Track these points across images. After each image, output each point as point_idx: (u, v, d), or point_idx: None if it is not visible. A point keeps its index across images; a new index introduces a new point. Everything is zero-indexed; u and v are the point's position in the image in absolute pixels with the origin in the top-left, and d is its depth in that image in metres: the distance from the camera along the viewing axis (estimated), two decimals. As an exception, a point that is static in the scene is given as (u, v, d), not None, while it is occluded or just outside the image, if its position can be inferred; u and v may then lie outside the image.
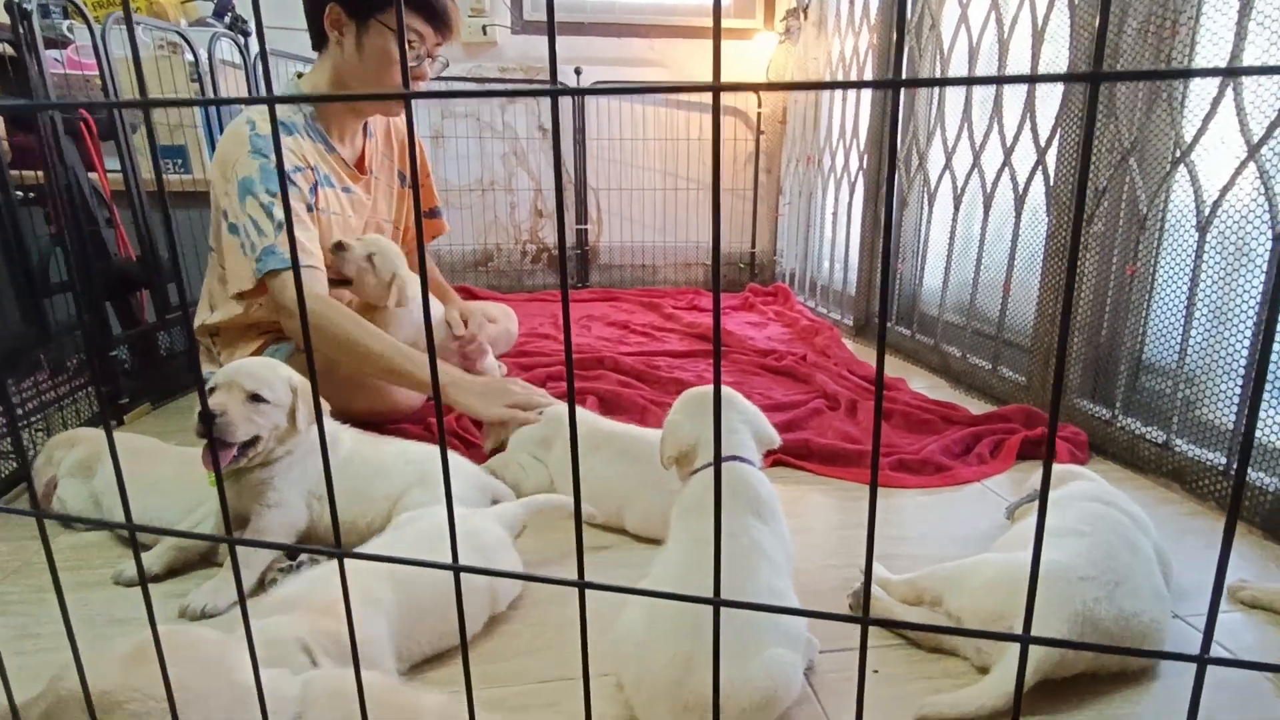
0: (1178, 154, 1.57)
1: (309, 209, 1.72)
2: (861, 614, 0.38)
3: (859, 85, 0.38)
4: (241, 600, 0.51)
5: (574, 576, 0.46)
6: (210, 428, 1.11)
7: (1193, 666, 1.00)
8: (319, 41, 1.75)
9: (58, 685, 0.58)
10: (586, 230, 3.82)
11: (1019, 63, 2.08)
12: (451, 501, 0.49)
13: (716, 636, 0.45)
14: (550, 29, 0.41)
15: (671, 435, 1.03)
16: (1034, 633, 0.91)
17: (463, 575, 1.03)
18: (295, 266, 0.46)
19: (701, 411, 1.04)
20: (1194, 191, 1.53)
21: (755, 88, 0.43)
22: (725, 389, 1.07)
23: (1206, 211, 1.51)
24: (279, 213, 1.65)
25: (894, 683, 0.99)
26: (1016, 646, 0.93)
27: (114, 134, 2.11)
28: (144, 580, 0.54)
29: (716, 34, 0.38)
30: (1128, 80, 1.73)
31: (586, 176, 3.76)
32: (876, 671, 1.02)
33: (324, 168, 1.79)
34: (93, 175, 2.17)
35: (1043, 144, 1.96)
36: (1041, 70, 1.99)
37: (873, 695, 0.97)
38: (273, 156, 1.61)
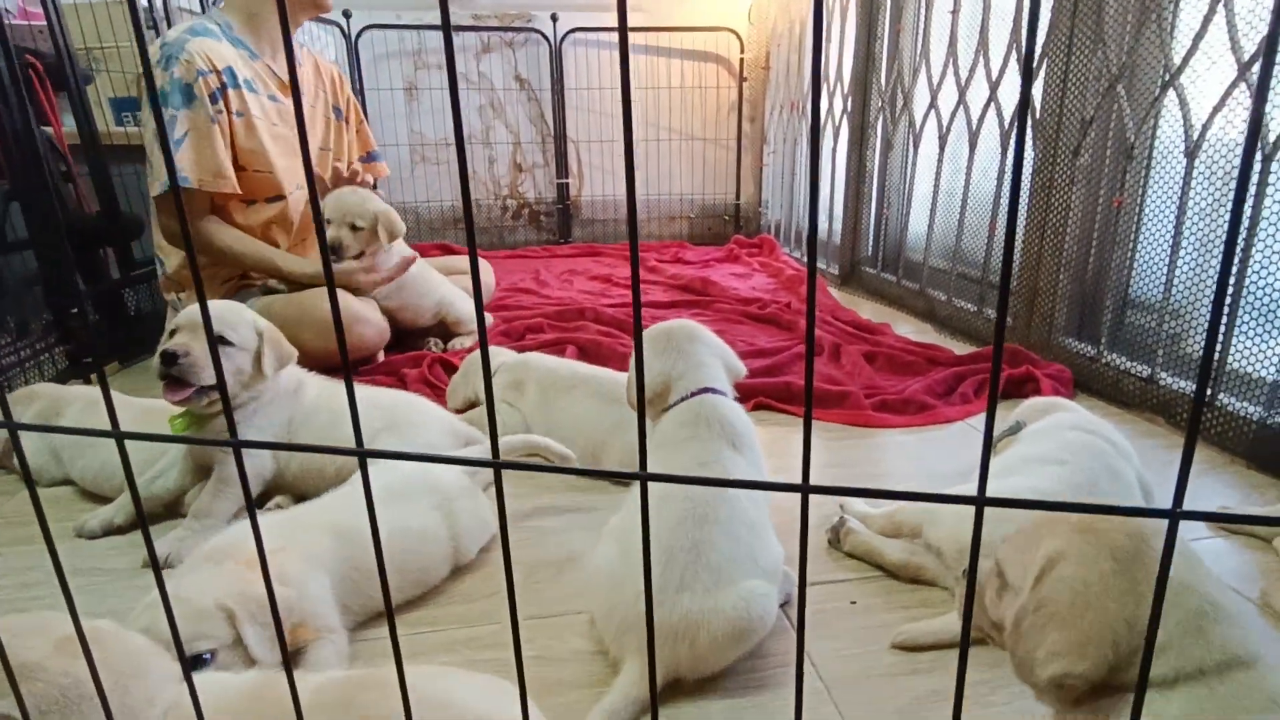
0: (1167, 78, 1.52)
1: (211, 120, 1.68)
2: (802, 484, 0.35)
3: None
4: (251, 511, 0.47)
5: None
6: (171, 367, 1.07)
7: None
8: None
9: None
10: (567, 184, 3.75)
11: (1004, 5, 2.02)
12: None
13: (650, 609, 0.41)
14: None
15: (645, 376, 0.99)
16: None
17: (427, 531, 1.00)
18: (178, 190, 0.42)
19: (670, 348, 1.00)
20: (1183, 116, 1.48)
21: None
22: (690, 323, 1.03)
23: (1196, 136, 1.46)
24: (180, 127, 1.65)
25: (871, 612, 0.98)
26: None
27: (67, 84, 2.03)
28: (63, 579, 0.50)
29: None
30: None
31: (566, 129, 3.67)
32: (854, 603, 1.00)
33: (248, 73, 1.77)
34: (47, 129, 2.09)
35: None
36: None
37: (850, 625, 0.95)
38: (175, 69, 1.61)
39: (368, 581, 0.92)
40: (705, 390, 0.95)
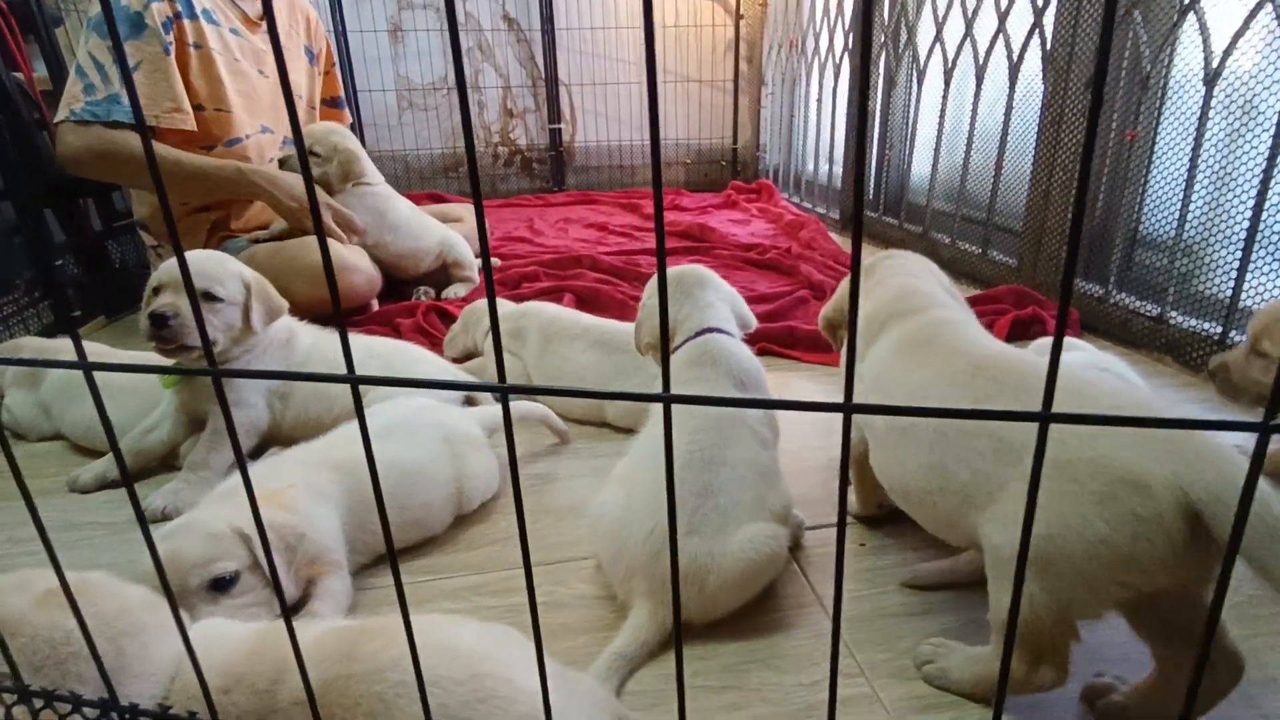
0: (1186, 2, 1.45)
1: (165, 50, 1.59)
2: (844, 402, 0.32)
3: None
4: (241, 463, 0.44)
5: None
6: (162, 329, 1.04)
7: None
8: None
9: None
10: (560, 130, 3.65)
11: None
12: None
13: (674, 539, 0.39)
14: None
15: (649, 319, 0.96)
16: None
17: (429, 468, 0.98)
18: (139, 121, 0.37)
19: (679, 292, 0.97)
20: (1202, 42, 1.42)
21: None
22: (701, 269, 1.00)
23: (1215, 64, 1.40)
24: (130, 58, 1.54)
25: (882, 553, 0.96)
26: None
27: (35, 28, 1.94)
28: (47, 542, 0.47)
29: None
30: None
31: (557, 72, 3.56)
32: (864, 545, 0.99)
33: (207, 3, 1.68)
34: (17, 75, 2.00)
35: (1040, 3, 1.83)
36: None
37: (860, 567, 0.94)
38: None
39: (371, 516, 0.91)
40: (710, 330, 0.91)
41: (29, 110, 1.93)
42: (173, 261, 1.11)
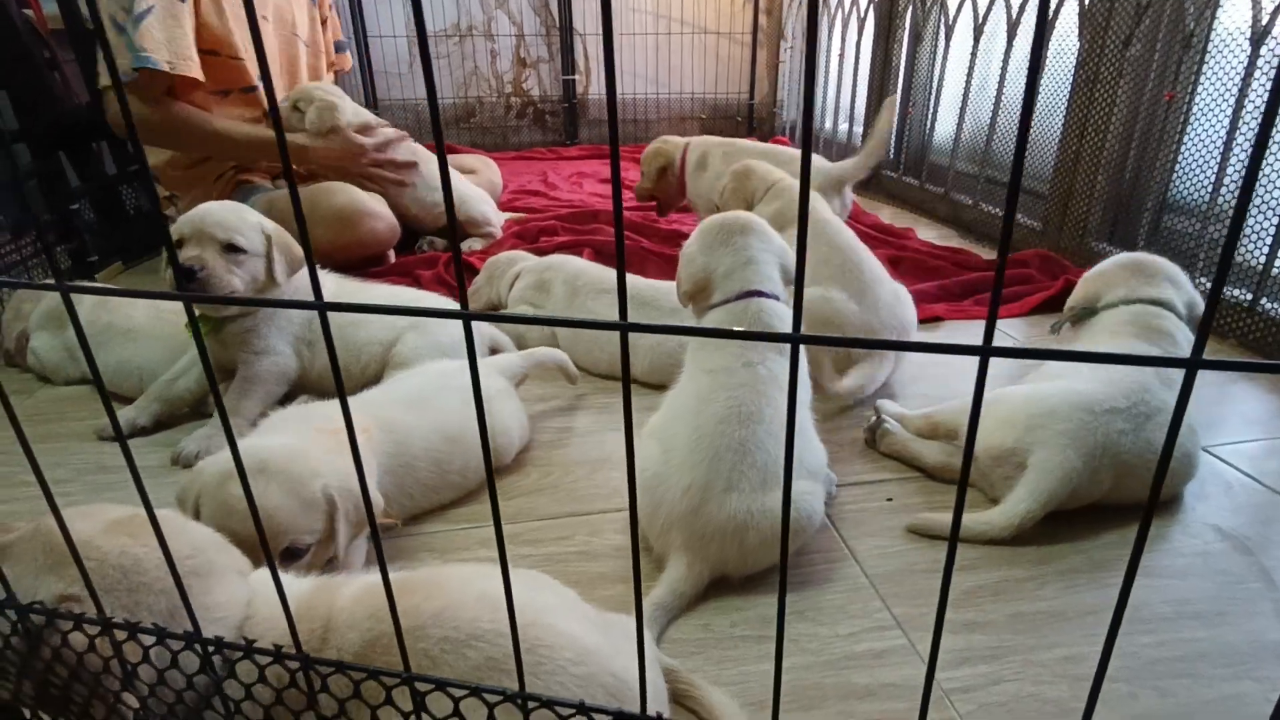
0: (1237, -45, 1.41)
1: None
2: (795, 331, 0.32)
3: None
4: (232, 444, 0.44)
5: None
6: (190, 283, 1.03)
7: (1216, 502, 0.97)
8: None
9: (38, 521, 0.53)
10: (574, 81, 3.57)
11: None
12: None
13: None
14: None
15: (686, 267, 0.94)
16: (1049, 461, 0.89)
17: (466, 432, 0.97)
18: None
19: (720, 242, 0.94)
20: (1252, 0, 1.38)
21: None
22: (748, 215, 0.97)
23: (1265, 21, 1.36)
24: (138, 4, 1.49)
25: (909, 511, 0.97)
26: (1025, 479, 0.90)
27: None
28: (138, 480, 0.47)
29: None
30: None
31: (572, 20, 3.47)
32: (891, 500, 1.00)
33: None
34: (27, 12, 1.95)
35: (1081, -43, 1.77)
36: None
37: (887, 523, 0.95)
38: None
39: (411, 477, 0.91)
40: (754, 293, 0.90)
41: (39, 49, 1.89)
42: (193, 213, 1.09)
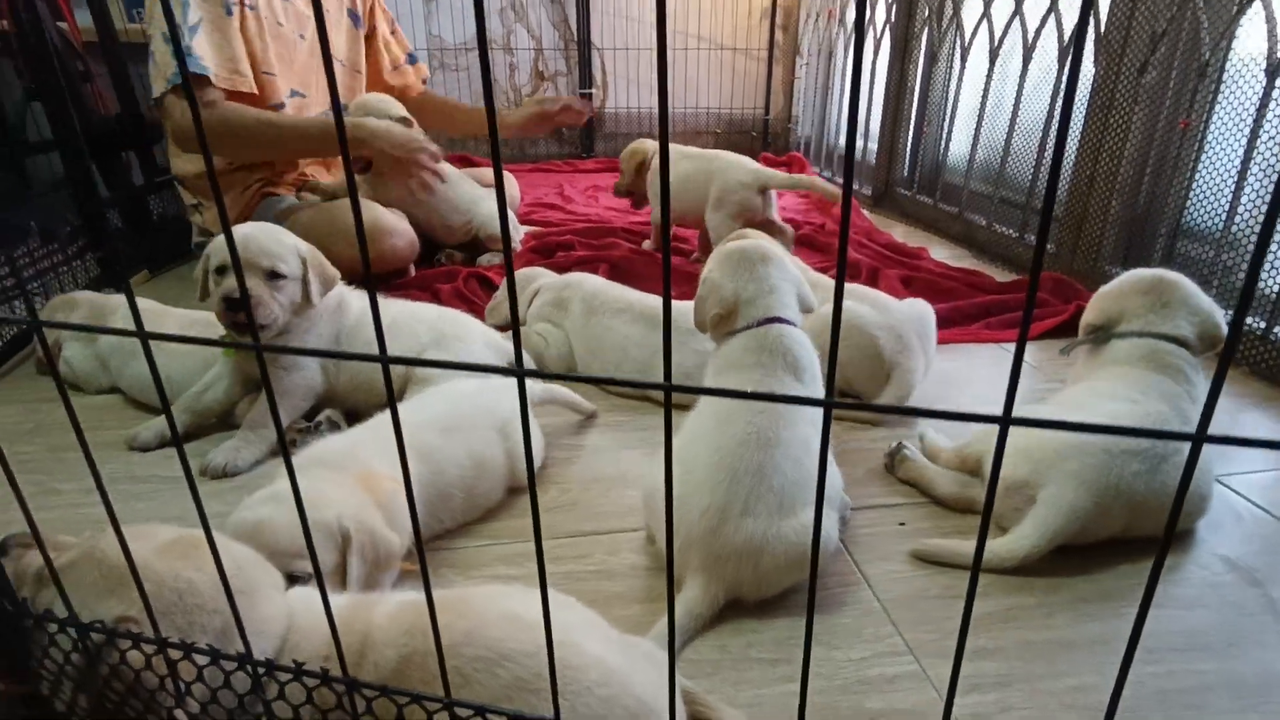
0: (1253, -16, 1.42)
1: (228, 11, 1.60)
2: (827, 397, 0.34)
3: None
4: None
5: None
6: (240, 313, 1.07)
7: (1227, 533, 0.98)
8: None
9: (93, 542, 0.55)
10: (591, 95, 3.61)
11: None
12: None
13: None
14: None
15: (713, 293, 0.97)
16: (1059, 499, 0.90)
17: (490, 456, 1.00)
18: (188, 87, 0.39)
19: (741, 268, 0.97)
20: (1268, 31, 1.39)
21: None
22: (764, 243, 1.00)
23: None
24: (191, 15, 1.54)
25: (921, 536, 0.98)
26: (1034, 514, 0.91)
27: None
28: (195, 493, 0.49)
29: None
30: None
31: (590, 35, 3.51)
32: (903, 524, 1.01)
33: None
34: (61, 25, 2.00)
35: (1097, -16, 1.79)
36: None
37: (899, 548, 0.96)
38: None
39: (443, 504, 0.93)
40: (774, 320, 0.92)
41: (74, 62, 1.94)
42: (237, 239, 1.12)
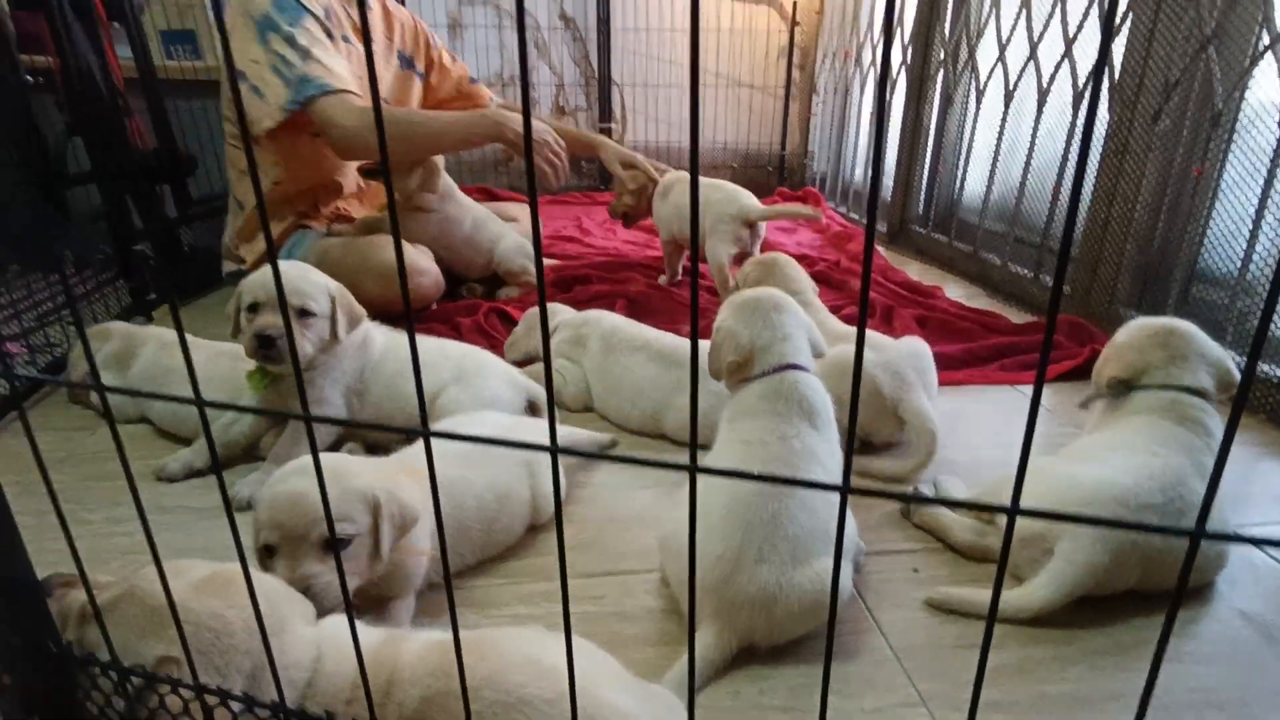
0: (1266, 40, 1.44)
1: (330, 37, 1.69)
2: (844, 483, 0.36)
3: None
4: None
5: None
6: (270, 350, 1.11)
7: (1244, 587, 0.98)
8: None
9: (134, 580, 0.57)
10: (610, 129, 3.68)
11: (1091, -59, 1.90)
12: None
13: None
14: None
15: (728, 341, 0.99)
16: (1075, 554, 0.90)
17: (513, 491, 1.02)
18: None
19: (757, 317, 0.99)
20: (1280, 84, 1.41)
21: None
22: (778, 293, 1.02)
23: (1292, 106, 1.40)
24: (303, 40, 1.61)
25: (935, 583, 0.99)
26: (1050, 567, 0.92)
27: (122, 15, 2.01)
28: (233, 521, 0.52)
29: None
30: None
31: (610, 71, 3.58)
32: (917, 571, 1.02)
33: (331, 16, 1.75)
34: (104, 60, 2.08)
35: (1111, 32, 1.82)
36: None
37: (912, 594, 0.97)
38: None
39: (462, 538, 0.95)
40: (789, 366, 0.94)
41: (114, 97, 2.01)
42: (266, 276, 1.15)
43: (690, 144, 0.34)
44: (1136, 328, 1.10)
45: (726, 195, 2.01)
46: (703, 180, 2.10)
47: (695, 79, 0.33)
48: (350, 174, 1.96)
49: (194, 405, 0.46)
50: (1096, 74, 0.32)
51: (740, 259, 1.89)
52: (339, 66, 1.67)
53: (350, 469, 0.82)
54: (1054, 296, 0.34)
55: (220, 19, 0.40)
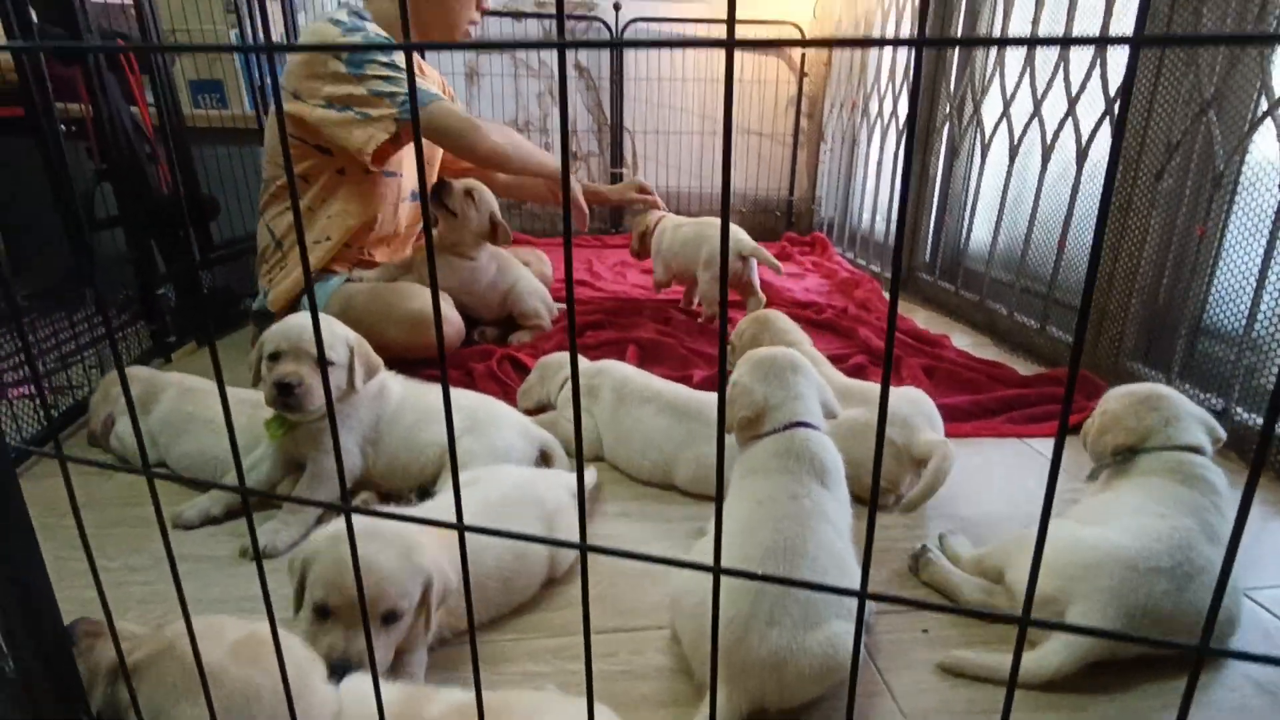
0: (1265, 106, 1.48)
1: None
2: (862, 589, 0.37)
3: (880, 43, 0.35)
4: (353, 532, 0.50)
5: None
6: (289, 397, 1.13)
7: (1264, 648, 0.98)
8: None
9: (168, 638, 0.58)
10: (621, 174, 3.75)
11: (1091, 7, 1.96)
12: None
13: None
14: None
15: (742, 397, 1.01)
16: (1088, 618, 0.90)
17: (524, 547, 1.03)
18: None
19: (771, 375, 1.02)
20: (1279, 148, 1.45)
21: (781, 43, 0.40)
22: (792, 353, 1.04)
23: (1292, 170, 1.43)
24: (400, 62, 1.73)
25: (946, 644, 0.99)
26: (1061, 636, 0.92)
27: (151, 68, 2.08)
28: (263, 576, 0.53)
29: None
30: (1180, 45, 1.64)
31: (623, 119, 3.67)
32: (926, 631, 1.02)
33: None
34: (133, 109, 2.15)
35: (1113, 94, 1.87)
36: (1115, 12, 1.88)
37: (923, 656, 0.97)
38: (368, 28, 1.74)
39: (478, 594, 0.96)
40: (799, 424, 0.96)
41: (141, 144, 2.07)
42: (288, 327, 1.18)
43: (721, 196, 0.37)
44: (1124, 395, 1.13)
45: (719, 231, 2.14)
46: (699, 220, 2.32)
47: (728, 143, 0.36)
48: (390, 214, 2.00)
49: (233, 485, 0.47)
50: (1114, 155, 0.34)
51: (734, 286, 2.21)
52: (432, 84, 1.85)
53: (416, 541, 0.83)
54: (1074, 358, 0.36)
55: (275, 83, 0.43)
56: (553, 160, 1.99)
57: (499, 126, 1.92)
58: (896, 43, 0.33)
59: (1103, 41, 0.33)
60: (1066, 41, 0.34)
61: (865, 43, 0.36)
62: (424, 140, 2.04)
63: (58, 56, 1.99)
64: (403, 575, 0.80)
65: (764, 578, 0.39)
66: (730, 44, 0.33)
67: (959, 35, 2.56)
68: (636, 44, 0.36)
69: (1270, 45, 1.48)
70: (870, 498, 0.40)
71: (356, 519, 0.53)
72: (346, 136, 1.75)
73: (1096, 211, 1.92)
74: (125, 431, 1.42)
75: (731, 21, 0.34)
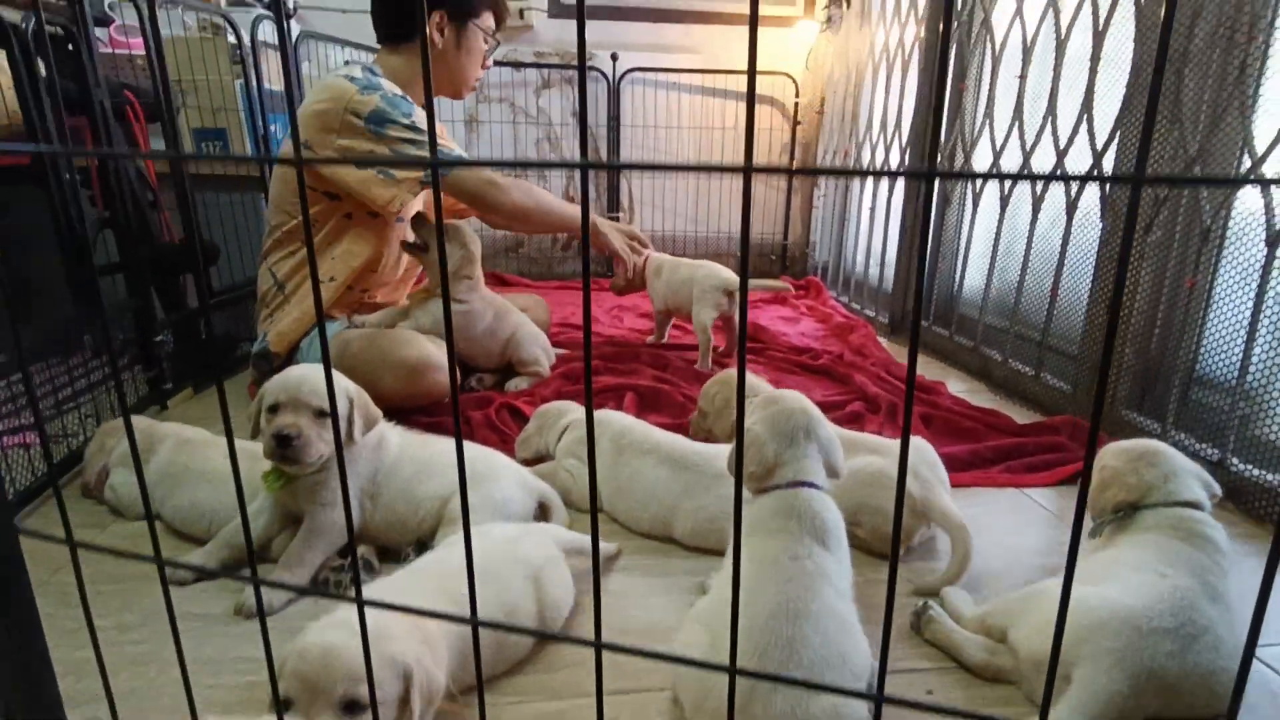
0: (1248, 163, 1.52)
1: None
2: (878, 692, 0.37)
3: (888, 174, 0.37)
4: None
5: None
6: (287, 449, 1.12)
7: (1263, 714, 0.97)
8: (395, 36, 1.96)
9: None
10: (618, 218, 3.80)
11: (1077, 60, 2.02)
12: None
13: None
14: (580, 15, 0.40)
15: (753, 447, 1.01)
16: (1095, 681, 0.89)
17: (513, 603, 1.02)
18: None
19: (787, 431, 1.02)
20: (1265, 204, 1.48)
21: (785, 171, 0.41)
22: (811, 410, 1.04)
23: (1279, 226, 1.46)
24: (422, 122, 1.78)
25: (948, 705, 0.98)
26: (1070, 696, 0.91)
27: (160, 116, 2.11)
28: (266, 638, 0.53)
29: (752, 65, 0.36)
30: (1174, 185, 1.70)
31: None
32: (931, 693, 1.01)
33: None
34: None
35: (1099, 147, 1.91)
36: (1103, 60, 1.92)
37: (926, 717, 0.96)
38: (385, 88, 1.79)
39: (469, 654, 0.94)
40: (803, 484, 0.96)
41: (144, 193, 2.09)
42: (288, 379, 1.18)
43: (740, 245, 0.37)
44: (1121, 452, 1.13)
45: (710, 271, 2.35)
46: (689, 261, 2.44)
47: (746, 218, 0.37)
48: (393, 256, 2.04)
49: (247, 580, 0.47)
50: (1129, 222, 0.35)
51: (722, 321, 2.35)
52: (455, 145, 1.91)
53: (389, 630, 0.81)
54: (1093, 424, 0.36)
55: (296, 135, 0.44)
56: (574, 214, 2.08)
57: (518, 182, 2.00)
58: (906, 174, 0.34)
59: (1103, 179, 0.34)
60: (1064, 178, 0.35)
61: (876, 173, 0.37)
62: (444, 197, 2.09)
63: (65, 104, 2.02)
64: (359, 663, 0.77)
65: (778, 678, 0.39)
66: (748, 169, 0.34)
67: (948, 83, 2.63)
68: (639, 166, 0.37)
69: (1266, 187, 1.52)
70: (886, 608, 0.40)
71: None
72: (366, 192, 1.81)
73: (1087, 260, 1.95)
74: (120, 483, 1.41)
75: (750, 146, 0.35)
